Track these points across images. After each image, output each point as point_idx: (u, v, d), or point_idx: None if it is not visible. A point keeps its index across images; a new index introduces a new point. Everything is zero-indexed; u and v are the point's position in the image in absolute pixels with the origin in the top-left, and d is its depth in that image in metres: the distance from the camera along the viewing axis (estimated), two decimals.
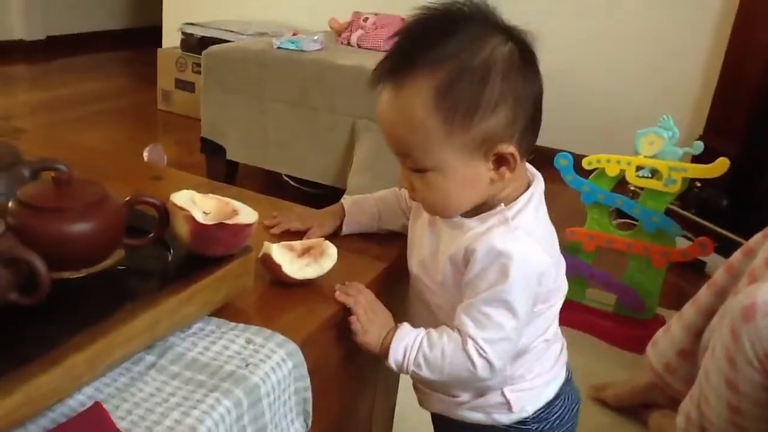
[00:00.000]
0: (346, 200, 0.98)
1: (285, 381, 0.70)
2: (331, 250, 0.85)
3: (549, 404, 0.87)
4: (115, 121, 3.47)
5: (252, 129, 2.45)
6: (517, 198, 0.79)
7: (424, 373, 0.79)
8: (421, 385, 0.91)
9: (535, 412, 0.86)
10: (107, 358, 0.61)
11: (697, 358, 1.32)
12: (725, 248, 1.78)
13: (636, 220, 1.78)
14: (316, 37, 2.51)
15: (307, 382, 0.73)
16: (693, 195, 2.42)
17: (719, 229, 2.24)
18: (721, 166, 1.65)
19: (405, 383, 1.10)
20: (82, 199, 0.67)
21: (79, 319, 0.61)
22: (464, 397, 0.86)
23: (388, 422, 1.12)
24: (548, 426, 0.88)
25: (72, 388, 0.59)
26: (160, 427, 0.59)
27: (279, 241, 0.85)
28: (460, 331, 0.77)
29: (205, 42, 3.11)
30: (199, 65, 2.86)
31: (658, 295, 1.78)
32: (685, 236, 2.10)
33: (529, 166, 0.83)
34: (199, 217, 0.70)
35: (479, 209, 0.79)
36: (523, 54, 0.74)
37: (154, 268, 0.74)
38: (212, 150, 2.54)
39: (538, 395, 0.87)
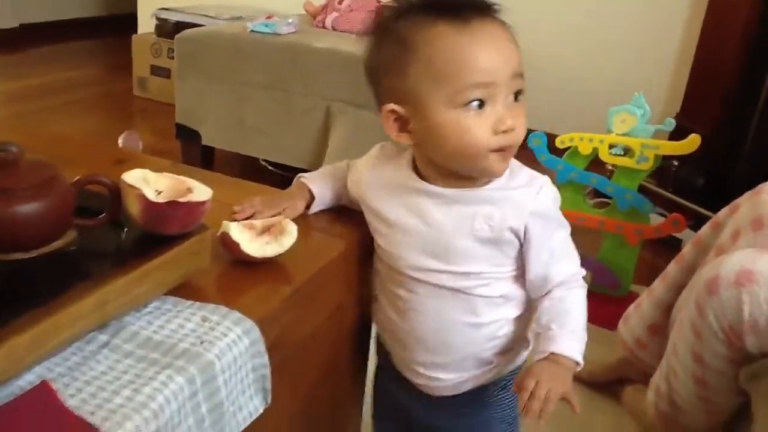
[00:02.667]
0: (308, 180, 0.97)
1: (242, 358, 0.70)
2: (291, 228, 0.84)
3: None
4: (91, 109, 3.43)
5: (227, 114, 2.43)
6: None
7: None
8: (454, 374, 0.91)
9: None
10: (54, 338, 0.60)
11: (667, 332, 1.33)
12: (701, 226, 1.79)
13: None
14: (290, 20, 2.49)
15: (265, 359, 0.73)
16: (671, 173, 2.44)
17: (696, 207, 2.26)
18: (692, 142, 1.66)
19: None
20: (28, 179, 0.66)
21: (25, 299, 0.61)
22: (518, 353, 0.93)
23: (360, 398, 1.12)
24: None
25: (16, 369, 0.58)
26: (111, 404, 0.59)
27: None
28: (564, 281, 0.84)
29: (180, 27, 3.06)
30: (174, 51, 2.83)
31: (633, 272, 1.80)
32: (661, 214, 2.11)
33: None
34: (151, 196, 0.69)
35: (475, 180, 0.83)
36: None
37: (107, 248, 0.73)
38: (187, 136, 2.52)
39: None
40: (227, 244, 0.81)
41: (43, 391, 0.57)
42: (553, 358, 0.80)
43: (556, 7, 3.07)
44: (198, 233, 0.74)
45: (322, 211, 0.97)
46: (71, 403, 0.58)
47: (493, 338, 0.88)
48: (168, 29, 3.32)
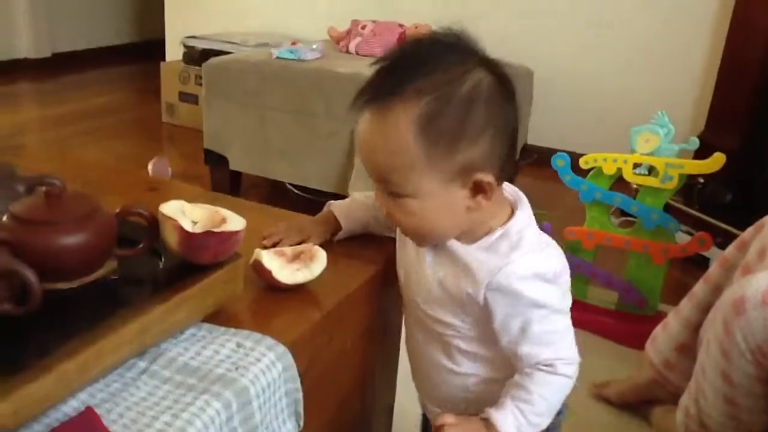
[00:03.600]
0: (336, 209, 0.99)
1: (275, 383, 0.72)
2: (321, 255, 0.86)
3: None
4: (120, 135, 3.51)
5: (253, 139, 2.48)
6: (507, 221, 0.80)
7: (545, 421, 0.81)
8: (440, 409, 0.91)
9: None
10: (98, 364, 0.63)
11: (695, 352, 1.32)
12: (729, 243, 1.78)
13: None
14: (315, 46, 2.53)
15: (298, 383, 0.75)
16: (696, 191, 2.43)
17: (723, 225, 2.24)
18: (716, 161, 1.66)
19: (402, 380, 1.11)
20: (72, 212, 0.69)
21: (70, 327, 0.63)
22: None
23: (388, 418, 1.14)
24: None
25: (64, 393, 0.61)
26: (152, 429, 0.61)
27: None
28: (537, 364, 0.80)
29: (207, 54, 3.14)
30: (201, 77, 2.90)
31: (660, 290, 1.79)
32: (688, 232, 2.10)
33: (510, 186, 0.84)
34: (187, 226, 0.72)
35: (472, 236, 0.80)
36: (502, 86, 0.76)
37: (145, 277, 0.76)
38: (215, 161, 2.57)
39: None
40: (259, 271, 0.84)
41: (89, 417, 0.59)
42: (488, 423, 0.79)
43: (579, 27, 3.08)
44: (232, 261, 0.77)
45: (351, 237, 0.99)
46: (114, 428, 0.61)
47: (469, 391, 0.88)
48: (195, 56, 3.40)
